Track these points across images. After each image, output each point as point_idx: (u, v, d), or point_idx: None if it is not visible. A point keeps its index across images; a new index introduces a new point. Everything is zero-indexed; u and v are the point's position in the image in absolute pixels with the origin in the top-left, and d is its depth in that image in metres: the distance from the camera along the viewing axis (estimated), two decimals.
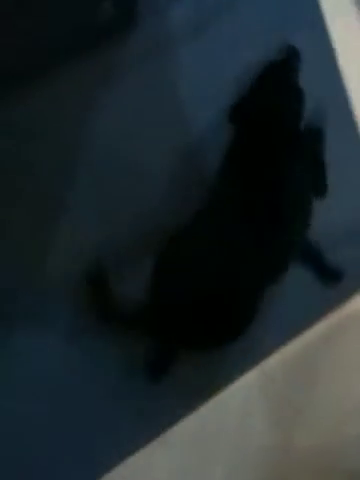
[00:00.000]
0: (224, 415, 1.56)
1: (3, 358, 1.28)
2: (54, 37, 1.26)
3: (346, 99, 1.83)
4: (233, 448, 1.55)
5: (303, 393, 1.72)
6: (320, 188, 1.66)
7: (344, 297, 1.81)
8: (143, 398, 1.40)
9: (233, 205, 1.40)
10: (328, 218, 1.71)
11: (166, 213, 1.43)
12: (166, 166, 1.47)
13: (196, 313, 1.32)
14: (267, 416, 1.64)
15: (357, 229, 1.82)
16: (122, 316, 1.34)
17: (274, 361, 1.64)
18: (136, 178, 1.42)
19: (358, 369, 1.86)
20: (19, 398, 1.28)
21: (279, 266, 1.51)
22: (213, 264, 1.33)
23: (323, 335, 1.77)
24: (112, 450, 1.33)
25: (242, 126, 1.48)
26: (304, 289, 1.70)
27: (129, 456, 1.38)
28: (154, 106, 1.44)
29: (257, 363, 1.59)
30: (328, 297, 1.76)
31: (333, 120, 1.68)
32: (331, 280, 1.74)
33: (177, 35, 1.47)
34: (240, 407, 1.59)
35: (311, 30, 1.67)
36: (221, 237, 1.37)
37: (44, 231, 1.34)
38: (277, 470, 1.59)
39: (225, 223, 1.39)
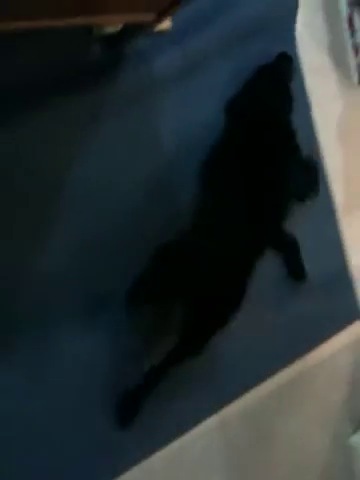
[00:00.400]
0: (182, 462, 1.54)
1: None
2: (42, 74, 1.26)
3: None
4: None
5: (261, 442, 1.72)
6: (311, 191, 1.73)
7: (308, 348, 1.84)
8: (107, 439, 1.39)
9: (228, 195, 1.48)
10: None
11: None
12: (143, 200, 1.49)
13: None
14: (224, 464, 1.63)
15: (325, 284, 1.87)
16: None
17: (234, 409, 1.64)
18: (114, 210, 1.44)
19: (317, 421, 1.88)
20: None
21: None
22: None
23: (285, 385, 1.79)
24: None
25: (236, 120, 1.57)
26: (268, 338, 1.72)
27: None
28: (135, 148, 1.46)
29: (216, 411, 1.58)
30: (292, 347, 1.78)
31: None
32: (296, 277, 1.78)
33: (162, 80, 1.49)
34: (198, 454, 1.58)
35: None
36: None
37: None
38: None
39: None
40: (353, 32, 2.05)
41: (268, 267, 1.71)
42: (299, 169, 1.67)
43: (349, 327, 1.99)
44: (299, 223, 1.78)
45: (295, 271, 1.77)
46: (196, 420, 1.54)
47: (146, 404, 1.41)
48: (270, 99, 1.63)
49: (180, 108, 1.55)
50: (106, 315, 1.39)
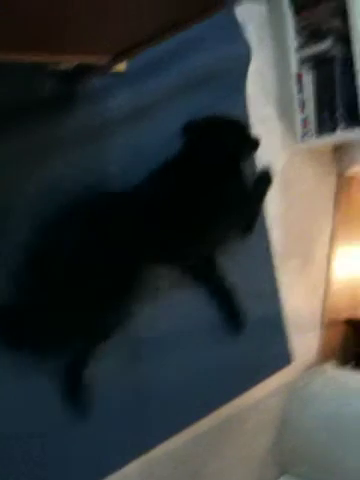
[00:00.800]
0: None
1: None
2: None
3: None
4: None
5: None
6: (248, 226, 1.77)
7: (238, 391, 1.85)
8: None
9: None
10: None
11: None
12: None
13: None
14: None
15: (258, 328, 1.90)
16: None
17: (160, 451, 1.62)
18: None
19: (244, 464, 1.89)
20: None
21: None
22: None
23: (213, 427, 1.79)
24: None
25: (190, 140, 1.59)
26: (198, 381, 1.72)
27: None
28: (78, 184, 1.45)
29: (142, 454, 1.56)
30: (222, 390, 1.79)
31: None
32: (234, 326, 1.79)
33: (112, 120, 1.50)
34: None
35: None
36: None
37: None
38: None
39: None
40: (301, 88, 2.15)
41: (202, 308, 1.73)
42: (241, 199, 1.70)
43: (279, 371, 2.03)
44: (236, 267, 1.82)
45: (233, 319, 1.78)
46: (120, 463, 1.51)
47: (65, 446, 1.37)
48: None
49: (127, 149, 1.56)
50: None
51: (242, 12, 1.97)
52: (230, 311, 1.77)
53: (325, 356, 2.27)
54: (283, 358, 2.04)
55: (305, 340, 2.20)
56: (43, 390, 1.36)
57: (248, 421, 1.93)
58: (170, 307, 1.65)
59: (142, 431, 1.55)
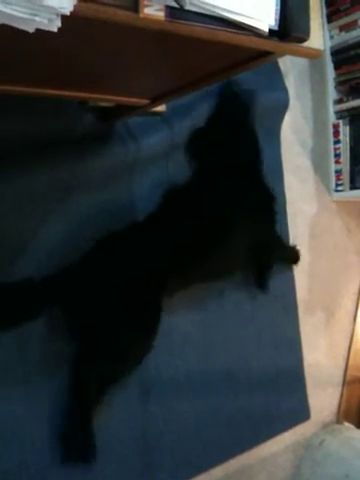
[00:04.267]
0: None
1: None
2: (30, 137, 1.27)
3: None
4: None
5: None
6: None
7: (251, 443, 1.80)
8: None
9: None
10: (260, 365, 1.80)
11: None
12: None
13: None
14: None
15: (278, 380, 1.86)
16: None
17: None
18: None
19: None
20: None
21: None
22: None
23: (224, 478, 1.74)
24: None
25: (197, 158, 1.59)
26: (212, 430, 1.68)
27: None
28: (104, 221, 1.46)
29: None
30: (236, 440, 1.75)
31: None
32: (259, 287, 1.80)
33: (146, 159, 1.53)
34: None
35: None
36: None
37: None
38: None
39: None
40: (337, 140, 2.16)
41: (219, 354, 1.70)
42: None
43: (295, 427, 1.97)
44: (260, 313, 1.80)
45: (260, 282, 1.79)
46: None
47: None
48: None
49: (155, 189, 1.56)
50: None
51: (284, 62, 2.01)
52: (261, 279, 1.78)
53: (344, 415, 2.19)
54: (301, 413, 1.98)
55: (324, 396, 2.13)
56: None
57: (259, 475, 1.87)
58: (187, 348, 1.62)
59: (149, 475, 1.51)
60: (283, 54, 0.96)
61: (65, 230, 1.38)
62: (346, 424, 2.18)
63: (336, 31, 2.12)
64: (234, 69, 1.03)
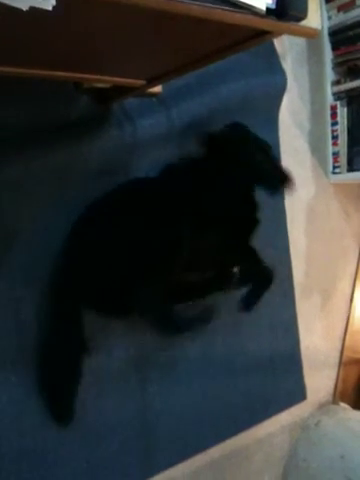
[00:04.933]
0: None
1: None
2: (25, 121, 1.26)
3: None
4: None
5: None
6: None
7: (249, 424, 1.82)
8: None
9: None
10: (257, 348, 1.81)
11: None
12: None
13: None
14: None
15: (275, 362, 1.87)
16: None
17: (165, 479, 1.59)
18: None
19: None
20: None
21: None
22: None
23: (220, 459, 1.76)
24: None
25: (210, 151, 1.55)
26: (210, 411, 1.69)
27: None
28: None
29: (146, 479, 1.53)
30: (233, 422, 1.76)
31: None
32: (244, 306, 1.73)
33: (143, 141, 1.52)
34: None
35: None
36: None
37: None
38: None
39: None
40: (335, 122, 2.15)
41: (217, 337, 1.71)
42: None
43: (292, 407, 1.99)
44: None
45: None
46: None
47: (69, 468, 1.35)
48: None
49: (153, 172, 1.56)
50: None
51: (281, 43, 1.99)
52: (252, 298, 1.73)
53: (340, 396, 2.22)
54: (297, 394, 2.00)
55: (320, 378, 2.15)
56: None
57: (256, 455, 1.89)
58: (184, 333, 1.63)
59: (147, 456, 1.53)
60: (280, 33, 0.95)
61: (63, 213, 1.37)
62: (342, 405, 2.20)
63: (334, 11, 2.10)
64: (231, 49, 1.02)
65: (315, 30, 0.93)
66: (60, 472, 1.34)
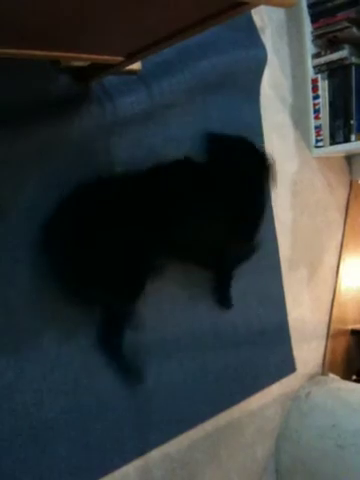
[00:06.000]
0: None
1: None
2: (3, 101, 1.24)
3: None
4: None
5: None
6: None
7: (240, 397, 1.85)
8: None
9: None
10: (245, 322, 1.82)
11: None
12: None
13: None
14: None
15: (264, 336, 1.89)
16: None
17: (157, 454, 1.61)
18: None
19: (242, 471, 1.87)
20: None
21: None
22: None
23: (213, 433, 1.78)
24: None
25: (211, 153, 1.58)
26: (201, 385, 1.71)
27: None
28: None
29: (139, 456, 1.55)
30: (225, 395, 1.79)
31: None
32: (221, 304, 1.78)
33: (124, 119, 1.50)
34: None
35: None
36: None
37: None
38: None
39: None
40: (316, 95, 2.14)
41: (206, 313, 1.72)
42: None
43: (282, 380, 2.02)
44: (243, 271, 1.81)
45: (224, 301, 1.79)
46: (118, 464, 1.50)
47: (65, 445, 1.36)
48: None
49: (135, 150, 1.55)
50: None
51: (260, 17, 1.97)
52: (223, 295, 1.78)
53: (329, 367, 2.25)
54: (286, 366, 2.03)
55: (309, 349, 2.18)
56: None
57: (248, 428, 1.92)
58: (174, 310, 1.64)
59: (141, 432, 1.55)
60: (257, 3, 0.94)
61: (43, 195, 1.35)
62: (331, 375, 2.24)
63: None
64: (209, 21, 1.01)
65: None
66: (55, 449, 1.35)
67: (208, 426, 1.75)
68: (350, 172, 2.39)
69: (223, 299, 1.77)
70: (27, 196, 1.32)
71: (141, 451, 1.55)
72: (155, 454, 1.59)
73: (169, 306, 1.62)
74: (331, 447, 1.90)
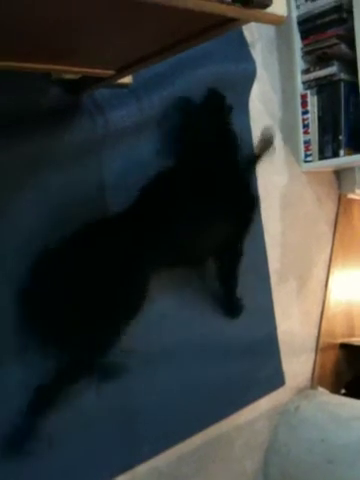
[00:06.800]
0: None
1: None
2: None
3: None
4: None
5: None
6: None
7: (229, 411, 1.84)
8: None
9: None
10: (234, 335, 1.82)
11: None
12: None
13: None
14: None
15: (253, 349, 1.90)
16: None
17: (147, 469, 1.60)
18: None
19: None
20: None
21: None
22: None
23: (201, 446, 1.77)
24: None
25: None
26: (190, 399, 1.70)
27: None
28: (74, 198, 1.43)
29: (127, 470, 1.53)
30: (214, 409, 1.78)
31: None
32: (230, 313, 1.80)
33: (115, 132, 1.51)
34: None
35: None
36: None
37: None
38: None
39: None
40: (305, 111, 2.17)
41: (195, 324, 1.72)
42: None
43: (271, 393, 2.02)
44: None
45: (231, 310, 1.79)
46: (105, 478, 1.48)
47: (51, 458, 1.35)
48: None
49: (125, 162, 1.55)
50: None
51: (250, 33, 2.00)
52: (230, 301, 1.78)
53: (318, 380, 2.26)
54: (275, 380, 2.03)
55: (298, 363, 2.19)
56: None
57: (237, 442, 1.91)
58: (163, 322, 1.64)
59: (129, 446, 1.53)
60: (247, 21, 0.96)
61: (33, 210, 1.35)
62: (320, 389, 2.24)
63: (302, 0, 2.11)
64: (199, 38, 1.02)
65: (281, 17, 0.94)
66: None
67: (197, 440, 1.74)
68: (339, 186, 2.41)
69: (231, 306, 1.78)
70: (12, 210, 1.31)
71: (129, 465, 1.54)
72: (143, 468, 1.58)
73: (157, 319, 1.62)
74: (320, 462, 1.89)
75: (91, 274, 1.32)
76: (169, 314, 1.65)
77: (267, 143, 1.74)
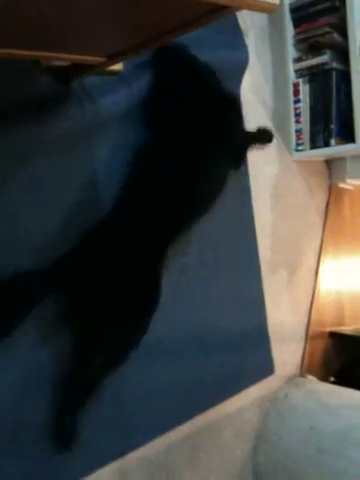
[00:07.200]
0: None
1: None
2: None
3: None
4: None
5: None
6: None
7: (219, 399, 1.85)
8: None
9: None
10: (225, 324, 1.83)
11: None
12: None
13: None
14: None
15: (243, 337, 1.90)
16: None
17: (135, 457, 1.60)
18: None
19: (220, 474, 1.88)
20: None
21: None
22: None
23: (191, 435, 1.78)
24: None
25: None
26: (180, 387, 1.71)
27: None
28: (66, 186, 1.42)
29: (117, 458, 1.54)
30: (204, 397, 1.79)
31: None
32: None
33: (105, 119, 1.50)
34: None
35: None
36: None
37: None
38: None
39: None
40: (297, 99, 2.16)
41: (186, 315, 1.72)
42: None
43: (260, 382, 2.03)
44: (223, 273, 1.82)
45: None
46: (95, 466, 1.49)
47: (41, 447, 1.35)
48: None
49: (116, 149, 1.54)
50: None
51: (243, 20, 1.98)
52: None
53: (307, 369, 2.27)
54: (265, 368, 2.04)
55: (288, 351, 2.20)
56: None
57: (226, 430, 1.92)
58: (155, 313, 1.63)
59: (118, 435, 1.54)
60: (239, 8, 0.95)
61: (24, 199, 1.34)
62: (309, 377, 2.25)
63: None
64: (191, 25, 1.01)
65: (273, 4, 0.93)
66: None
67: (186, 428, 1.75)
68: (330, 176, 2.41)
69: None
70: (3, 199, 1.30)
71: (119, 454, 1.55)
72: (133, 456, 1.59)
73: None
74: (309, 449, 1.91)
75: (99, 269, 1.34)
76: (161, 305, 1.65)
77: (266, 136, 1.74)
